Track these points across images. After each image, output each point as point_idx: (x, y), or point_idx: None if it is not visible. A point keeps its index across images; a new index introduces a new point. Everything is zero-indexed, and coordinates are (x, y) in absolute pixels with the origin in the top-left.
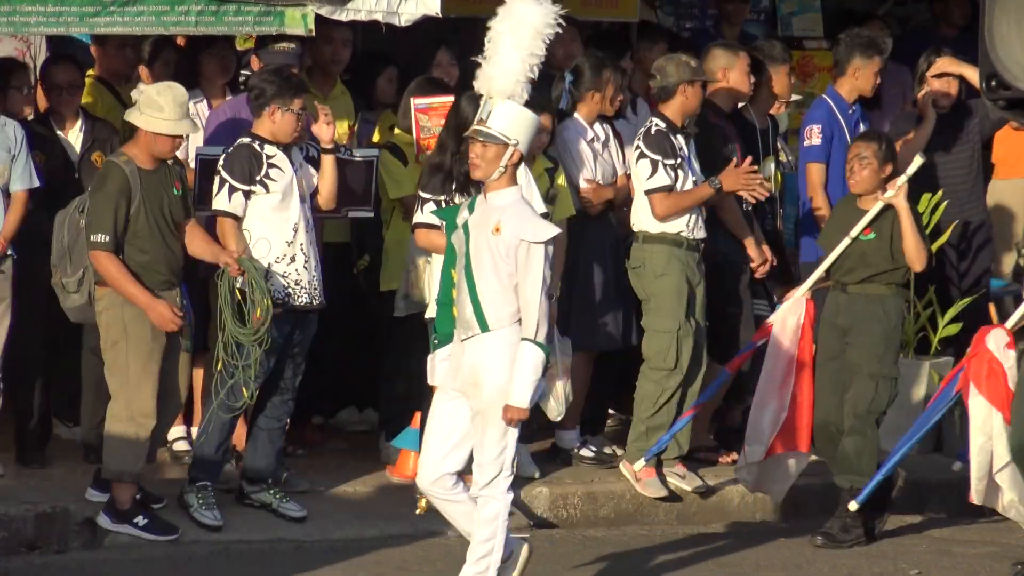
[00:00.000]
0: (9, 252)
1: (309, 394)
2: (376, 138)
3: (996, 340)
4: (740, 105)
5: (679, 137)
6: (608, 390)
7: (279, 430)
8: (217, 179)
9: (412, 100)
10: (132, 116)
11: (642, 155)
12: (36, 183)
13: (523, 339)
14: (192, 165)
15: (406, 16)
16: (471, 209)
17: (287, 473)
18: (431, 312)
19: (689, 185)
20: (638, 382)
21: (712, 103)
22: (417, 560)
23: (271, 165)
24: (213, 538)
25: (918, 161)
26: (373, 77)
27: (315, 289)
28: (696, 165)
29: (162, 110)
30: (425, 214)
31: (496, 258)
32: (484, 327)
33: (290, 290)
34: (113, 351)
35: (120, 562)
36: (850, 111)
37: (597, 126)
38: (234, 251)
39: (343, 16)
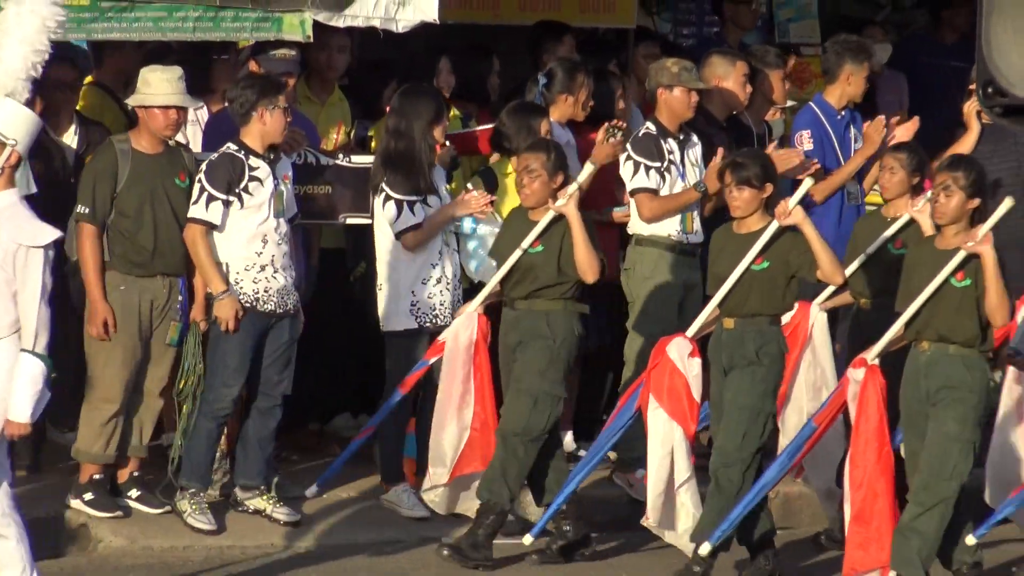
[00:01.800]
0: None
1: (304, 400)
2: (373, 145)
3: (679, 349)
4: (735, 112)
5: (670, 141)
6: (601, 393)
7: (268, 436)
8: (197, 186)
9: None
10: (130, 100)
11: (628, 157)
12: (33, 189)
13: (23, 350)
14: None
15: (404, 22)
16: None
17: (278, 478)
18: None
19: (679, 189)
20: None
21: (705, 110)
22: (412, 565)
23: (252, 177)
24: (208, 543)
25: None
26: (379, 87)
27: (287, 296)
28: (694, 170)
29: (149, 85)
30: None
31: None
32: None
33: (258, 296)
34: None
35: (115, 567)
36: (839, 117)
37: (566, 129)
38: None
39: (341, 22)
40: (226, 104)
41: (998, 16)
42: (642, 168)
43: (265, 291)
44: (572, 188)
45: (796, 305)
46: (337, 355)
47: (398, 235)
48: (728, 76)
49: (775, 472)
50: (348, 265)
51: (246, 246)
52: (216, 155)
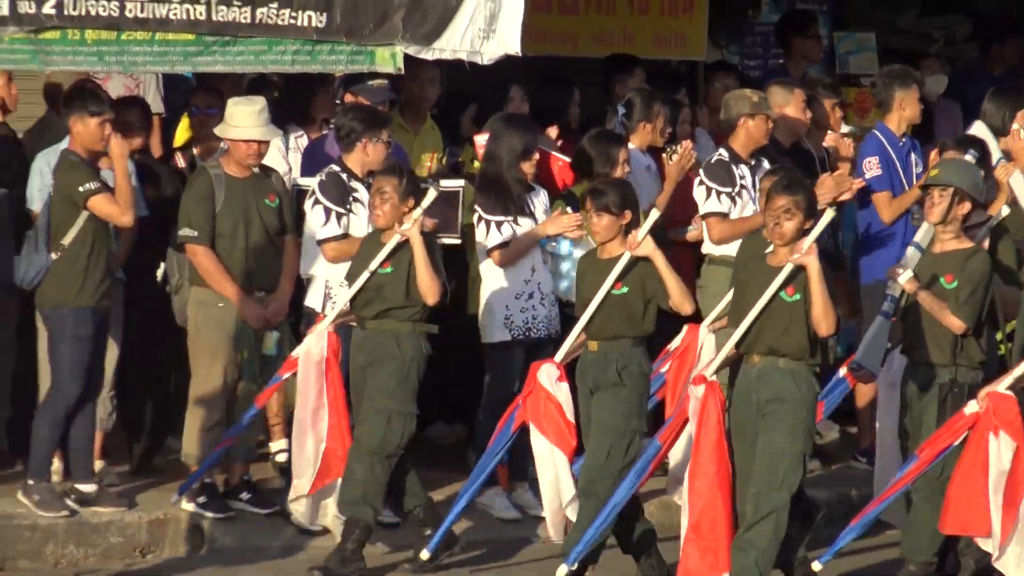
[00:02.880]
0: (120, 276)
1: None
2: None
3: (548, 375)
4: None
5: (742, 167)
6: None
7: None
8: (318, 207)
9: (475, 136)
10: (216, 129)
11: (700, 182)
12: (143, 212)
13: None
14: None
15: (488, 55)
16: None
17: None
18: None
19: (749, 213)
20: None
21: (772, 137)
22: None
23: (354, 199)
24: (315, 543)
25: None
26: (459, 114)
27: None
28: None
29: (233, 118)
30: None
31: None
32: None
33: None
34: (190, 344)
35: (226, 567)
36: (900, 143)
37: (647, 155)
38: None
39: (430, 55)
40: (325, 132)
41: None
42: (714, 193)
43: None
44: (416, 213)
45: (686, 328)
46: (434, 365)
47: (488, 252)
48: (788, 104)
49: (625, 490)
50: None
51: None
52: (323, 176)
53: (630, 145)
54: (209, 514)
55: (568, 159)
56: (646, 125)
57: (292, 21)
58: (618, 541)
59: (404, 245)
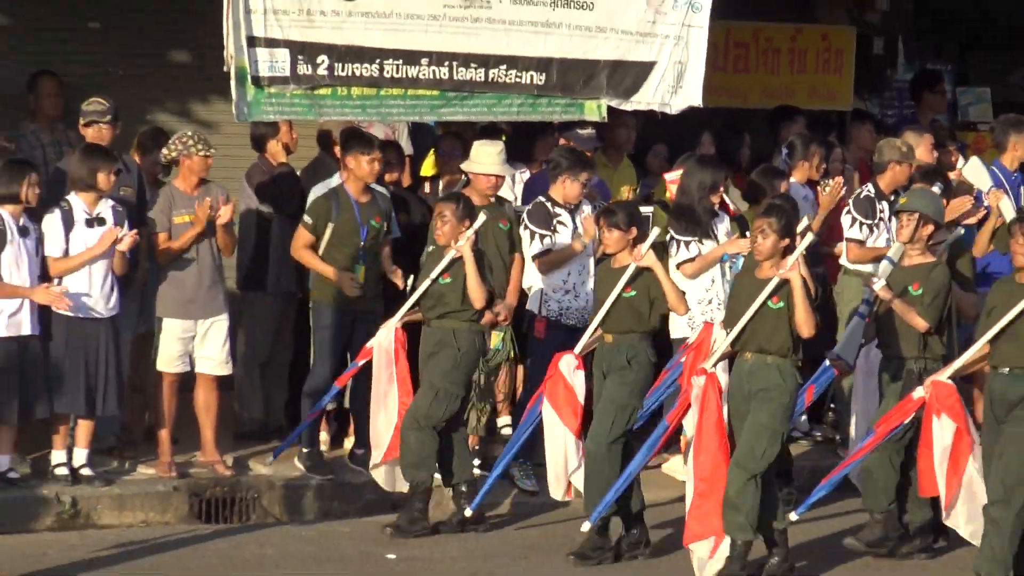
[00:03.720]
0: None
1: None
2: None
3: (567, 365)
4: None
5: (883, 203)
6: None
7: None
8: (527, 231)
9: (664, 175)
10: (464, 165)
11: (848, 211)
12: (396, 233)
13: None
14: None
15: (676, 106)
16: None
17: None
18: None
19: (882, 243)
20: None
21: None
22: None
23: (559, 222)
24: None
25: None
26: (648, 154)
27: (585, 313)
28: None
29: (478, 156)
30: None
31: None
32: None
33: (561, 312)
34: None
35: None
36: (1013, 176)
37: (805, 187)
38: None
39: (628, 107)
40: (543, 168)
41: None
42: (857, 223)
43: (567, 308)
44: (469, 232)
45: (703, 324)
46: None
47: (677, 266)
48: (919, 146)
49: (638, 462)
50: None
51: (557, 274)
52: (532, 205)
53: (792, 179)
54: (316, 477)
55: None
56: (804, 163)
57: (517, 80)
58: (616, 507)
59: (460, 259)
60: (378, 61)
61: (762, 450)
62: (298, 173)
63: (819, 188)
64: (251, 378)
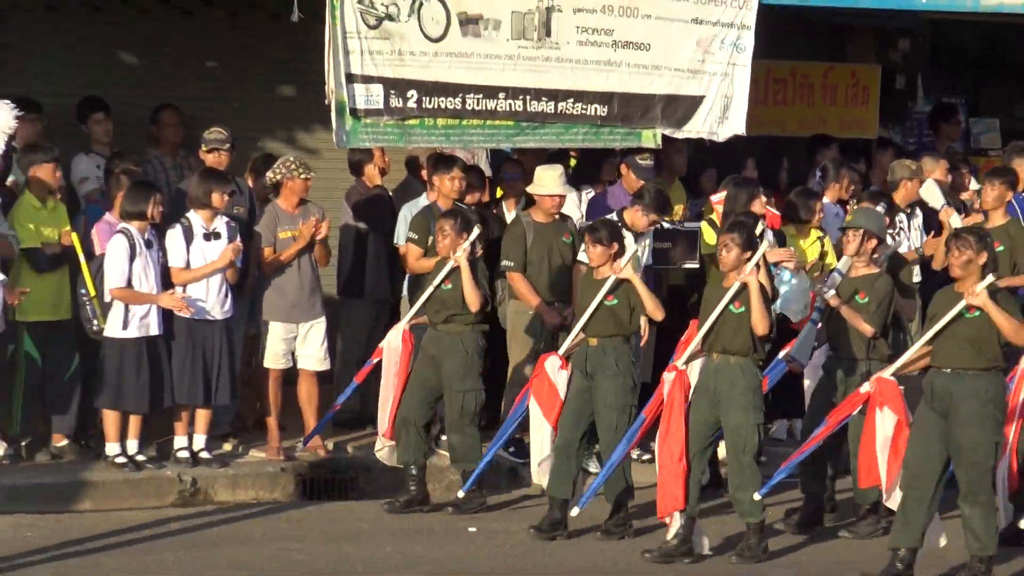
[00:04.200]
0: None
1: None
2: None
3: (551, 365)
4: None
5: (900, 215)
6: None
7: None
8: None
9: (711, 196)
10: (529, 188)
11: None
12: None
13: None
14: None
15: (722, 135)
16: None
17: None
18: None
19: (904, 249)
20: None
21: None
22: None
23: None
24: None
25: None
26: (699, 175)
27: None
28: (916, 233)
29: (541, 179)
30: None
31: None
32: None
33: None
34: (509, 340)
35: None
36: (1020, 195)
37: (836, 206)
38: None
39: (680, 135)
40: (606, 189)
41: None
42: None
43: None
44: (465, 244)
45: (691, 323)
46: None
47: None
48: (935, 170)
49: (619, 453)
50: (687, 295)
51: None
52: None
53: (825, 199)
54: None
55: (777, 212)
56: (836, 185)
57: (583, 111)
58: (605, 493)
59: (458, 268)
60: (460, 95)
61: (744, 445)
62: (390, 193)
63: (849, 207)
64: (348, 374)
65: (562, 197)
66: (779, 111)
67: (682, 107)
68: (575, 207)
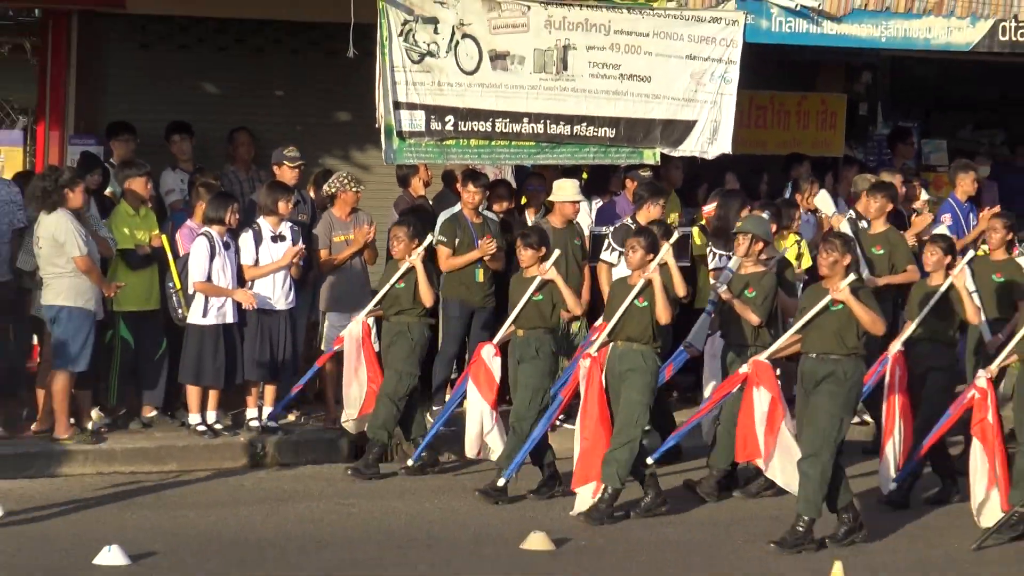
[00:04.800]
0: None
1: None
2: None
3: (487, 353)
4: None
5: (864, 222)
6: None
7: None
8: (607, 243)
9: (703, 207)
10: (552, 196)
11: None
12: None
13: None
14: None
15: (712, 153)
16: None
17: None
18: None
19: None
20: None
21: None
22: None
23: None
24: None
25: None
26: (696, 188)
27: None
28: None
29: (561, 188)
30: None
31: None
32: None
33: None
34: None
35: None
36: (963, 206)
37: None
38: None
39: (676, 153)
40: (613, 199)
41: None
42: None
43: None
44: (419, 250)
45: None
46: None
47: (710, 271)
48: (894, 182)
49: (540, 429)
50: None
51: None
52: (616, 225)
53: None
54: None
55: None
56: (804, 195)
57: (594, 134)
58: (533, 460)
59: (411, 269)
60: (490, 119)
61: (635, 419)
62: (430, 202)
63: (817, 215)
64: None
65: (578, 203)
66: (760, 133)
67: (678, 130)
68: (585, 214)
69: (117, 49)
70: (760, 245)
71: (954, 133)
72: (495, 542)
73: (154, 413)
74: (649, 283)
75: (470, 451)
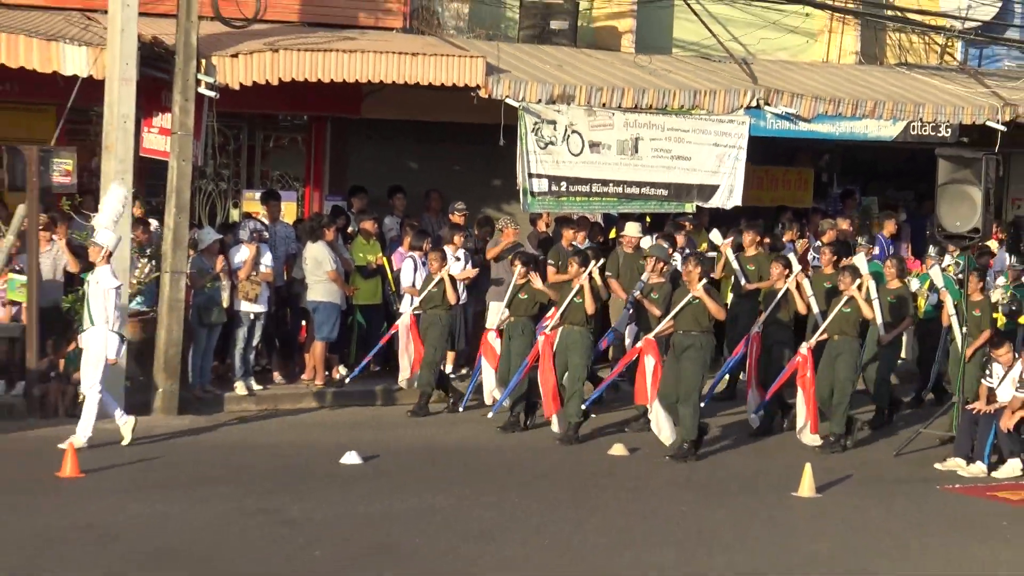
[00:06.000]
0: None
1: None
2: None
3: (491, 336)
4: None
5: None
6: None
7: None
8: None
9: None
10: (622, 233)
11: (812, 257)
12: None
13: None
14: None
15: (729, 205)
16: None
17: None
18: None
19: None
20: None
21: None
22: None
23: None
24: None
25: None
26: (712, 227)
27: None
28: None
29: (627, 228)
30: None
31: None
32: None
33: None
34: None
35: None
36: (887, 243)
37: (790, 244)
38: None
39: (706, 205)
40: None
41: (944, 199)
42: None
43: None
44: (447, 267)
45: (553, 309)
46: None
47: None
48: (843, 223)
49: (515, 380)
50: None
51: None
52: (655, 243)
53: (784, 239)
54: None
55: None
56: (789, 232)
57: (654, 193)
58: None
59: (441, 279)
60: (588, 184)
61: (577, 376)
62: (550, 236)
63: (796, 245)
64: None
65: (639, 238)
66: (759, 192)
67: (707, 190)
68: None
69: (355, 139)
70: (661, 264)
71: (883, 192)
72: (585, 451)
73: (377, 368)
74: (581, 287)
75: (487, 400)
